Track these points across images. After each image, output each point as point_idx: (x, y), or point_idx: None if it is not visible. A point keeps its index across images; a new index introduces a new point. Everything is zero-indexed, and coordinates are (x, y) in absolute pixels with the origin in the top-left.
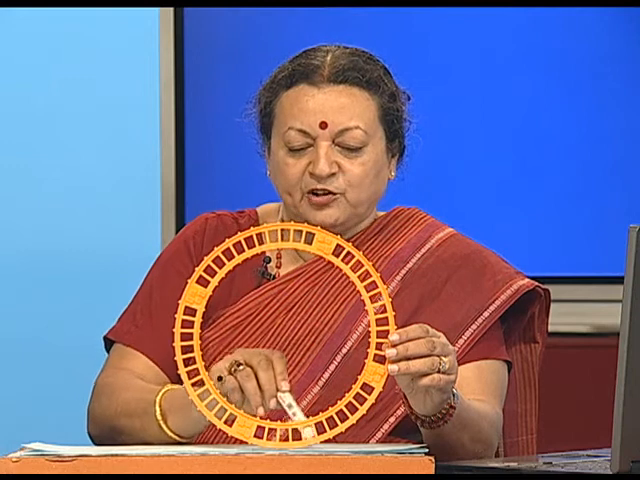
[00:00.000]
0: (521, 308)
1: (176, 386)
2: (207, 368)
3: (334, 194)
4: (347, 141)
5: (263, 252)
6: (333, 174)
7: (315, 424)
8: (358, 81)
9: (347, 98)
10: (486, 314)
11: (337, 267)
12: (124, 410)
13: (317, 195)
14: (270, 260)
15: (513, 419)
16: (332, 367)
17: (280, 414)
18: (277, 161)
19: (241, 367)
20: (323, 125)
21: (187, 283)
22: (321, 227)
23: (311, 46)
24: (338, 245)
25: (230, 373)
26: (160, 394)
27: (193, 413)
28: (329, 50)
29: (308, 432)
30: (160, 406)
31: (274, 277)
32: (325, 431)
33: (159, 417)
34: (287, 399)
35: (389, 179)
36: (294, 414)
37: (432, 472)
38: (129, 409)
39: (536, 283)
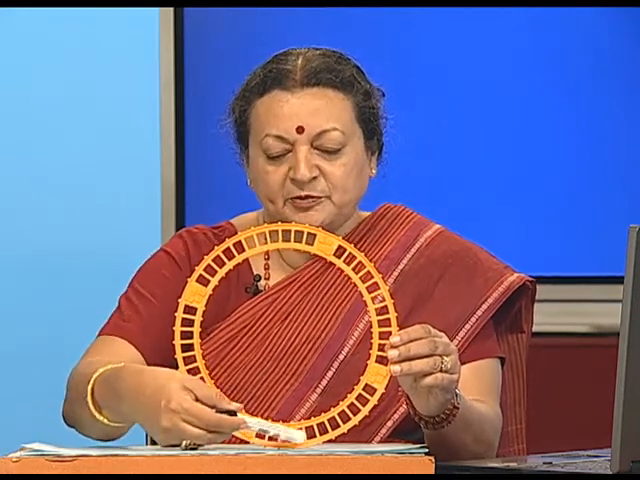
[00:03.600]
0: (509, 301)
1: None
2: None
3: (319, 198)
4: (326, 143)
5: (251, 270)
6: (315, 178)
7: (317, 425)
8: (332, 82)
9: (322, 100)
10: (479, 313)
11: (329, 272)
12: (71, 397)
13: (301, 199)
14: (260, 278)
15: (502, 409)
16: (329, 374)
17: (282, 416)
18: (257, 169)
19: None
20: (300, 129)
21: (177, 283)
22: None
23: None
24: (339, 246)
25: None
26: (99, 371)
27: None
28: (300, 53)
29: (300, 436)
30: (94, 385)
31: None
32: (327, 432)
33: (89, 395)
34: (254, 425)
35: (370, 177)
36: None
37: (432, 472)
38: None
39: (525, 277)
